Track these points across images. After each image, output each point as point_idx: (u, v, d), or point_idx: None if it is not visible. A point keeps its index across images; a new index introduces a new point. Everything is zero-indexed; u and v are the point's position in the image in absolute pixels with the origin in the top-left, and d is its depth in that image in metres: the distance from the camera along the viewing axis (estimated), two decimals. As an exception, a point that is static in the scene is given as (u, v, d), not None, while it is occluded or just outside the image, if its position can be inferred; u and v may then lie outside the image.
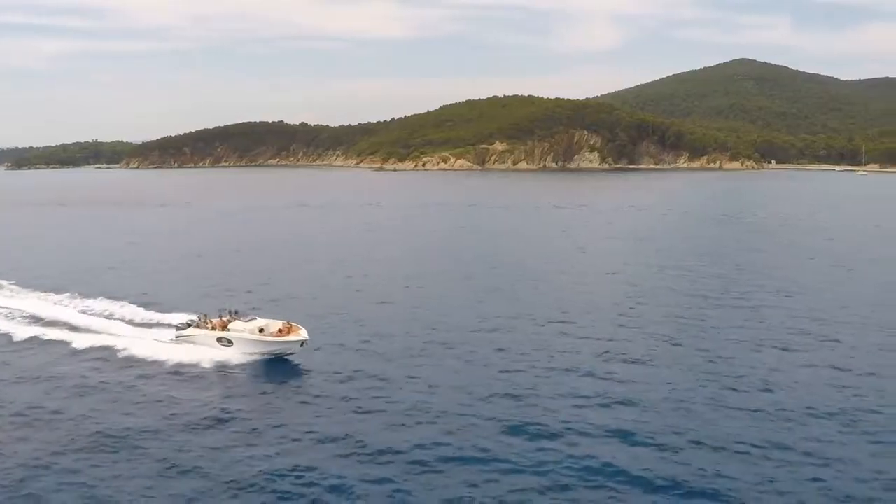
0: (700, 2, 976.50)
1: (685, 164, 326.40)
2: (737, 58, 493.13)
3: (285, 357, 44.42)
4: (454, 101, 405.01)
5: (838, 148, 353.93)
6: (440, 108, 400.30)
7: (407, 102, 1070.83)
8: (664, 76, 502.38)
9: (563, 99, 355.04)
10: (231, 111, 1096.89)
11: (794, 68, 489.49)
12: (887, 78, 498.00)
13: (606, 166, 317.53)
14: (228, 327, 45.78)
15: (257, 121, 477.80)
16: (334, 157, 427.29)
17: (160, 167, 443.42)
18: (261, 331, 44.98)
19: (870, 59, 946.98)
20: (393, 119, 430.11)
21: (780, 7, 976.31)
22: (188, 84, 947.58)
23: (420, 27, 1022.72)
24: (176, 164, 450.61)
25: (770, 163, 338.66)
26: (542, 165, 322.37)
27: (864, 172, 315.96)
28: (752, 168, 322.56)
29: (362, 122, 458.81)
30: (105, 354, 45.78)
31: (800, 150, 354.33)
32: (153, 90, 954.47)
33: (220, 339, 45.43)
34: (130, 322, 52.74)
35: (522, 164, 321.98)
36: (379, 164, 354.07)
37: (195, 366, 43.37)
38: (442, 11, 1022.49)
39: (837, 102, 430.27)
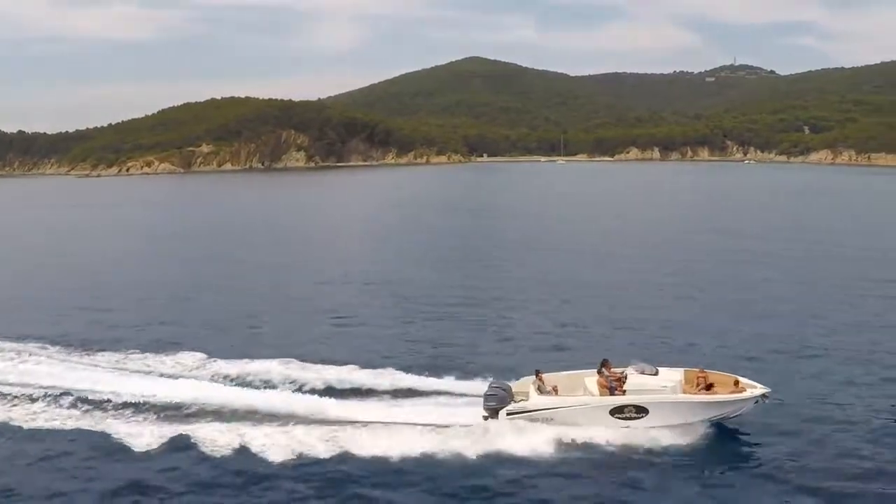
0: (445, 1, 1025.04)
1: (393, 161, 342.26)
2: (472, 55, 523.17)
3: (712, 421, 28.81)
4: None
5: (550, 140, 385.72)
6: (157, 111, 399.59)
7: (139, 106, 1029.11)
8: (399, 74, 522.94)
9: (274, 99, 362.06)
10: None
11: (534, 66, 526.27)
12: (615, 73, 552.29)
13: (313, 165, 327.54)
14: (625, 387, 28.67)
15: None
16: (48, 166, 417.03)
17: None
18: (709, 387, 29.36)
19: (604, 56, 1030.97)
20: (110, 124, 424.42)
21: (524, 6, 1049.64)
22: None
23: (161, 28, 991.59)
24: None
25: (482, 156, 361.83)
26: (248, 166, 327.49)
27: (563, 161, 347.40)
28: (459, 161, 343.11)
29: (89, 127, 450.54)
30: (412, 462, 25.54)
31: (513, 142, 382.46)
32: None
33: (619, 410, 28.01)
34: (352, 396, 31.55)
35: (228, 166, 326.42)
36: (88, 171, 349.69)
37: (607, 464, 25.73)
38: (184, 13, 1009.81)
39: (563, 97, 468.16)
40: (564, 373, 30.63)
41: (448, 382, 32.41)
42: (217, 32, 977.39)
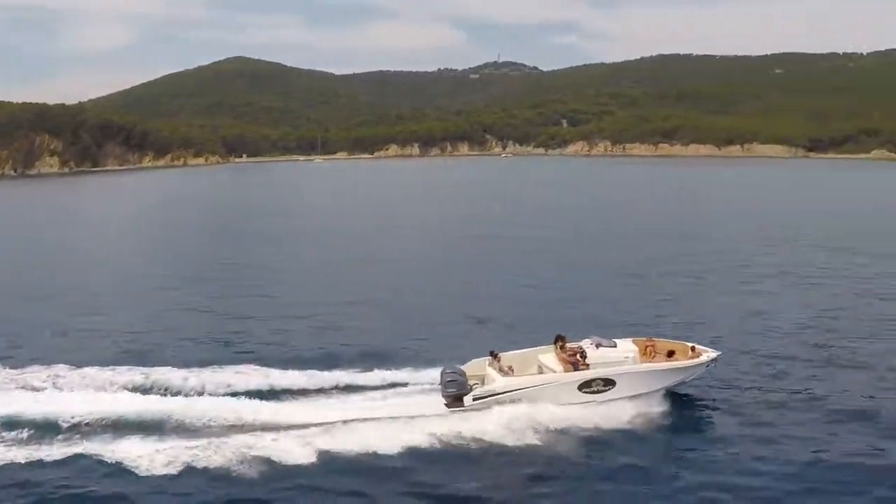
0: (213, 2, 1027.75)
1: (150, 164, 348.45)
2: (236, 55, 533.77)
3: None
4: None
5: (310, 139, 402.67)
6: None
7: None
8: (163, 75, 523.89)
9: (28, 103, 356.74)
10: None
11: (301, 66, 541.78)
12: (380, 71, 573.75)
13: (67, 171, 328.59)
14: (588, 361, 29.69)
15: None
16: None
17: None
18: (671, 354, 30.99)
19: (370, 55, 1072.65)
20: None
21: (293, 6, 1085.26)
22: None
23: None
24: None
25: (241, 157, 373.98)
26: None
27: (321, 160, 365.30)
28: (217, 163, 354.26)
29: None
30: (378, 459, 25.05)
31: (273, 142, 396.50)
32: None
33: (588, 384, 28.89)
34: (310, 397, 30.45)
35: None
36: None
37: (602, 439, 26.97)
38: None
39: (327, 96, 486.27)
40: (516, 352, 30.97)
41: (375, 376, 31.68)
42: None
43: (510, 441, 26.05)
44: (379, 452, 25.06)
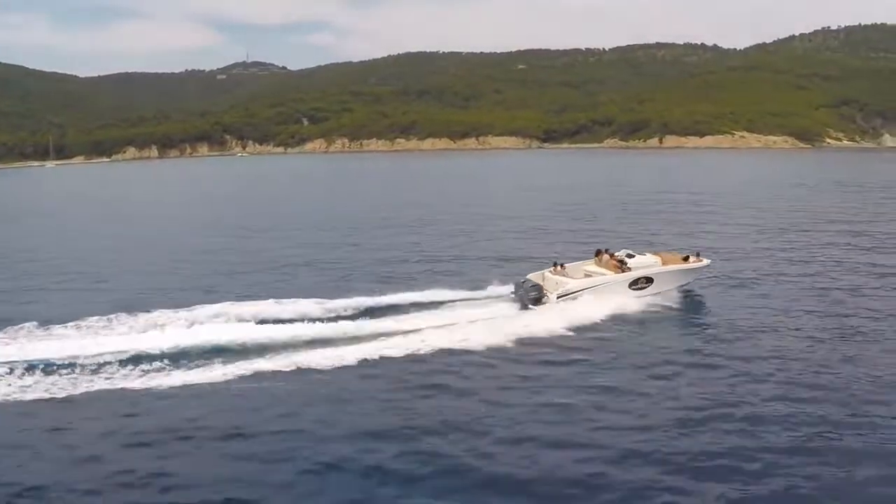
0: None
1: None
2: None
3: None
4: None
5: (46, 144, 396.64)
6: None
7: None
8: None
9: None
10: None
11: (44, 68, 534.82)
12: (126, 73, 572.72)
13: None
14: (630, 266, 38.11)
15: None
16: None
17: None
18: (686, 259, 39.83)
19: (117, 56, 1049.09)
20: None
21: (35, 6, 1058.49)
22: None
23: None
24: None
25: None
26: None
27: (54, 165, 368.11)
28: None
29: None
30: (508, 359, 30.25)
31: (10, 148, 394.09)
32: None
33: (635, 282, 37.22)
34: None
35: None
36: None
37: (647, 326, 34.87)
38: None
39: (71, 99, 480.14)
40: (569, 264, 39.06)
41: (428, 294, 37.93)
42: None
43: (588, 324, 33.68)
44: (496, 344, 30.75)
